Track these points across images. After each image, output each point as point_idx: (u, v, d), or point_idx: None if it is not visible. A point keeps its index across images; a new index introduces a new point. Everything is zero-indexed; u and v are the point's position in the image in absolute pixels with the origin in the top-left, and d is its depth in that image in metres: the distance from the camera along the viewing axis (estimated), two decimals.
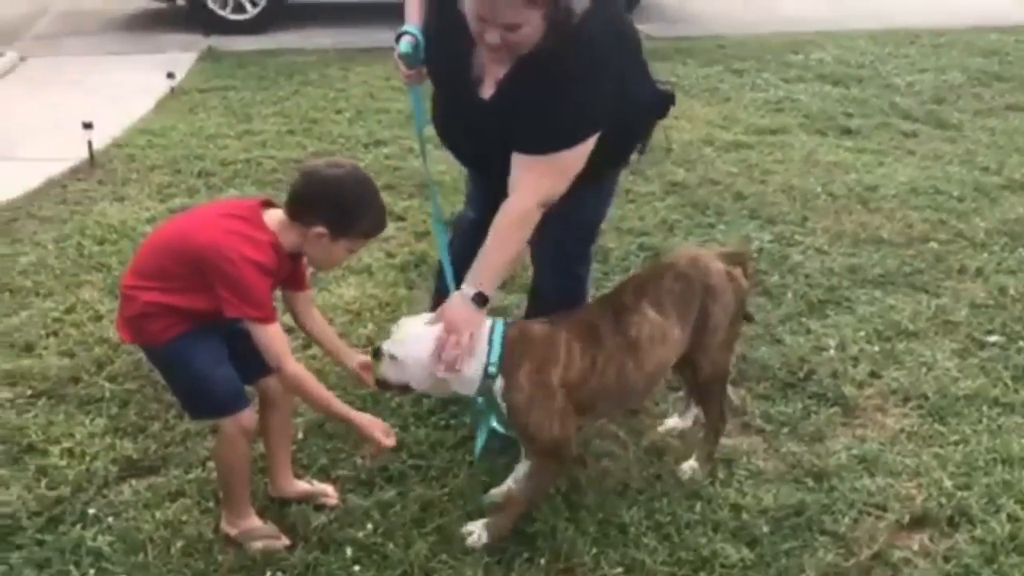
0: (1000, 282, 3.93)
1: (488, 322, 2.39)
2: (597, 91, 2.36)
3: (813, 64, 7.39)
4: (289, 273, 2.37)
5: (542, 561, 2.43)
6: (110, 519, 2.57)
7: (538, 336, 2.40)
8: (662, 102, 2.68)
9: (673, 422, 2.98)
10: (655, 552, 2.46)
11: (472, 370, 2.34)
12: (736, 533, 2.53)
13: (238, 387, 2.36)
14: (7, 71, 6.94)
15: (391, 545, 2.46)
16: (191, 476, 2.75)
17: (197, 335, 2.29)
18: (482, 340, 2.35)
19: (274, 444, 2.62)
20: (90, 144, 5.09)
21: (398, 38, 2.59)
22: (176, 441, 2.90)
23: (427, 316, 2.46)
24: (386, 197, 4.48)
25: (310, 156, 5.23)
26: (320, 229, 2.23)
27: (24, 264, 3.97)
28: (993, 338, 3.53)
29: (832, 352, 3.40)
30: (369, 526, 2.52)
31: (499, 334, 2.37)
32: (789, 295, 3.80)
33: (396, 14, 2.69)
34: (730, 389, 2.95)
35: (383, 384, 2.45)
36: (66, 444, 2.86)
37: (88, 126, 5.02)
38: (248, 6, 8.07)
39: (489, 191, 2.58)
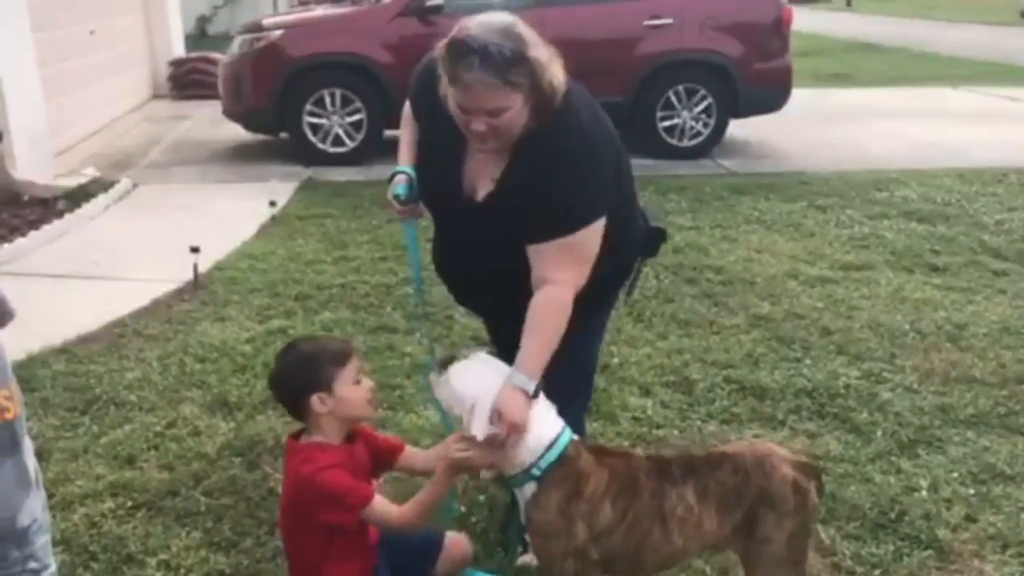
0: None
1: (559, 425, 2.37)
2: (598, 169, 2.43)
3: (898, 201, 7.42)
4: (372, 452, 2.48)
5: None
6: None
7: (586, 467, 2.34)
8: (653, 239, 2.75)
9: None
10: None
11: (521, 456, 2.29)
12: None
13: None
14: (121, 197, 7.40)
15: None
16: None
17: None
18: (546, 436, 2.33)
19: None
20: (195, 267, 5.38)
21: (391, 178, 2.70)
22: (267, 558, 2.97)
23: (497, 367, 2.41)
24: (471, 321, 4.59)
25: (401, 282, 5.42)
26: (314, 397, 2.35)
27: (129, 379, 4.16)
28: None
29: (924, 493, 3.32)
30: None
31: (563, 444, 2.34)
32: (879, 433, 3.74)
33: None
34: (820, 528, 2.89)
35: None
36: (163, 556, 2.96)
37: (195, 250, 5.31)
38: (347, 140, 8.50)
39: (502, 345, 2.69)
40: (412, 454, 2.58)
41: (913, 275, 5.75)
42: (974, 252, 6.18)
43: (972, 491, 3.35)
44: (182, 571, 2.89)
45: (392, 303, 5.13)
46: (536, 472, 2.31)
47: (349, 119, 8.47)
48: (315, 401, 2.36)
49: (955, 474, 3.46)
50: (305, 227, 6.58)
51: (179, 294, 5.26)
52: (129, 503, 3.24)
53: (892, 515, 3.19)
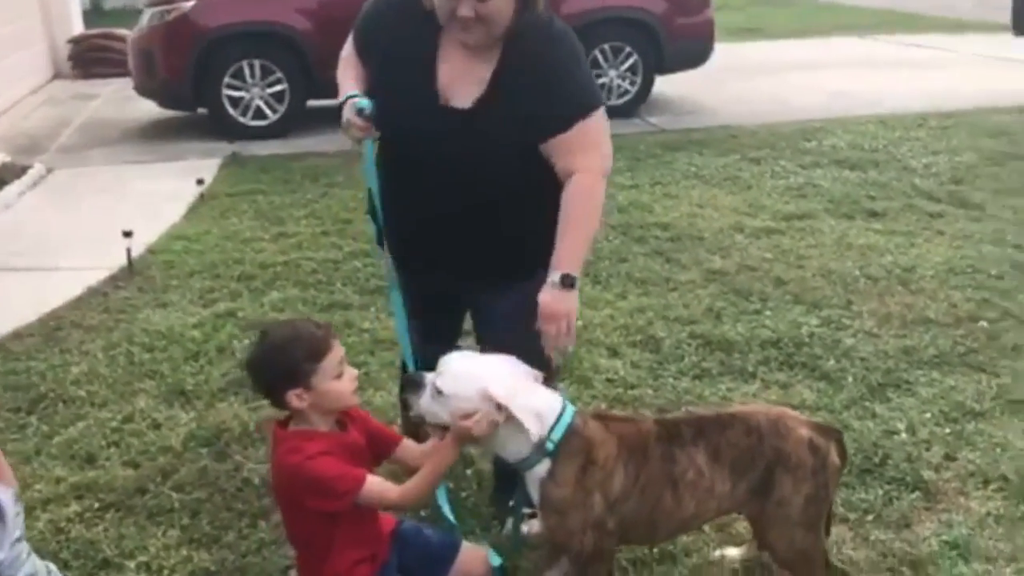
0: None
1: (559, 398, 2.31)
2: (584, 58, 2.53)
3: (827, 150, 7.52)
4: (369, 438, 2.35)
5: None
6: None
7: (595, 434, 2.28)
8: None
9: (732, 552, 2.73)
10: None
11: (530, 429, 2.18)
12: None
13: None
14: (36, 183, 7.02)
15: None
16: None
17: None
18: (551, 409, 2.25)
19: None
20: (128, 252, 5.12)
21: (342, 105, 2.55)
22: (252, 550, 2.84)
23: (477, 356, 2.36)
24: None
25: (348, 256, 5.27)
26: (291, 393, 2.20)
27: (75, 374, 3.94)
28: None
29: (904, 436, 3.36)
30: None
31: (569, 415, 2.27)
32: (849, 379, 3.78)
33: None
34: None
35: (415, 420, 2.33)
36: (141, 558, 2.80)
37: (128, 234, 5.07)
38: (269, 112, 8.22)
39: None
40: (408, 447, 2.44)
41: (854, 222, 5.83)
42: (908, 196, 6.31)
43: (948, 430, 3.41)
44: (164, 572, 2.74)
45: (341, 279, 4.98)
46: (550, 446, 2.23)
47: (270, 91, 8.17)
48: (291, 398, 2.21)
49: (928, 415, 3.51)
50: (236, 204, 6.34)
51: (113, 281, 5.00)
52: (96, 504, 3.06)
53: (876, 460, 3.22)
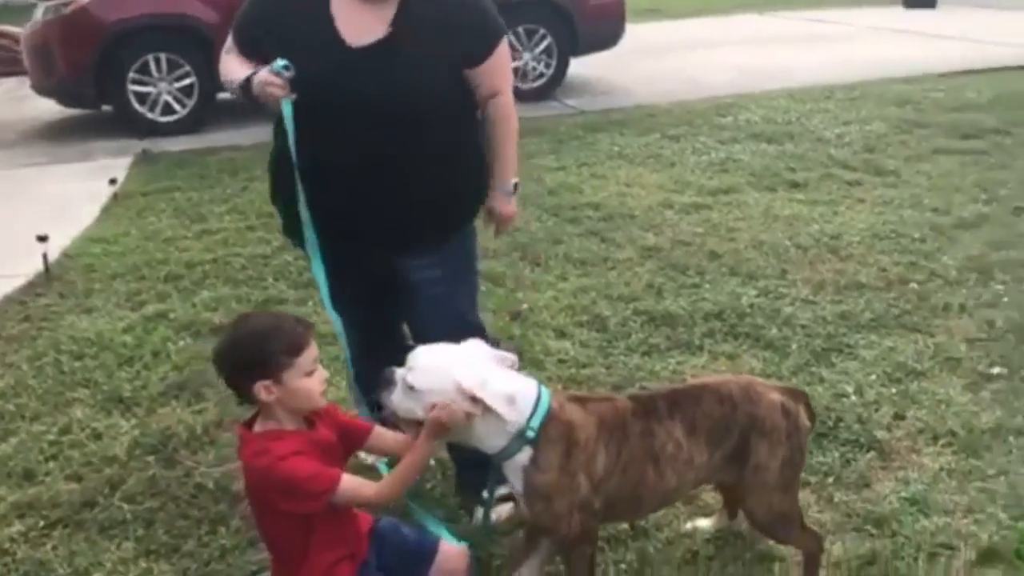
0: (986, 316, 4.07)
1: (534, 385, 2.26)
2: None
3: (743, 125, 7.65)
4: (340, 433, 2.26)
5: None
6: None
7: (574, 417, 2.26)
8: None
9: (702, 523, 2.76)
10: None
11: (507, 418, 2.15)
12: None
13: None
14: None
15: None
16: None
17: None
18: (528, 396, 2.21)
19: None
20: (45, 257, 4.89)
21: (248, 80, 2.51)
22: (215, 557, 2.74)
23: (446, 347, 2.29)
24: None
25: (277, 250, 5.13)
26: (259, 385, 2.11)
27: (2, 387, 3.75)
28: (996, 370, 3.64)
29: (853, 398, 3.44)
30: None
31: (546, 401, 2.23)
32: (793, 346, 3.85)
33: None
34: None
35: (389, 419, 2.28)
36: (97, 574, 2.68)
37: (43, 239, 4.85)
38: (177, 107, 7.95)
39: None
40: (381, 435, 2.37)
41: (777, 193, 5.95)
42: (825, 166, 6.46)
43: (893, 391, 3.50)
44: None
45: (272, 274, 4.85)
46: (531, 434, 2.19)
47: (178, 85, 7.92)
48: (260, 389, 2.11)
49: (873, 376, 3.60)
50: (153, 203, 6.12)
51: (31, 288, 4.77)
52: (41, 522, 2.91)
53: (830, 423, 3.28)
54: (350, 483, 2.16)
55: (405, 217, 2.61)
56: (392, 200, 2.58)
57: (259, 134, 7.71)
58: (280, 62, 2.46)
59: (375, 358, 2.50)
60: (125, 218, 5.85)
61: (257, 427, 2.21)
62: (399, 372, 2.22)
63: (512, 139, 2.71)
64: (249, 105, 2.65)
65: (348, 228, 2.63)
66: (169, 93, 7.90)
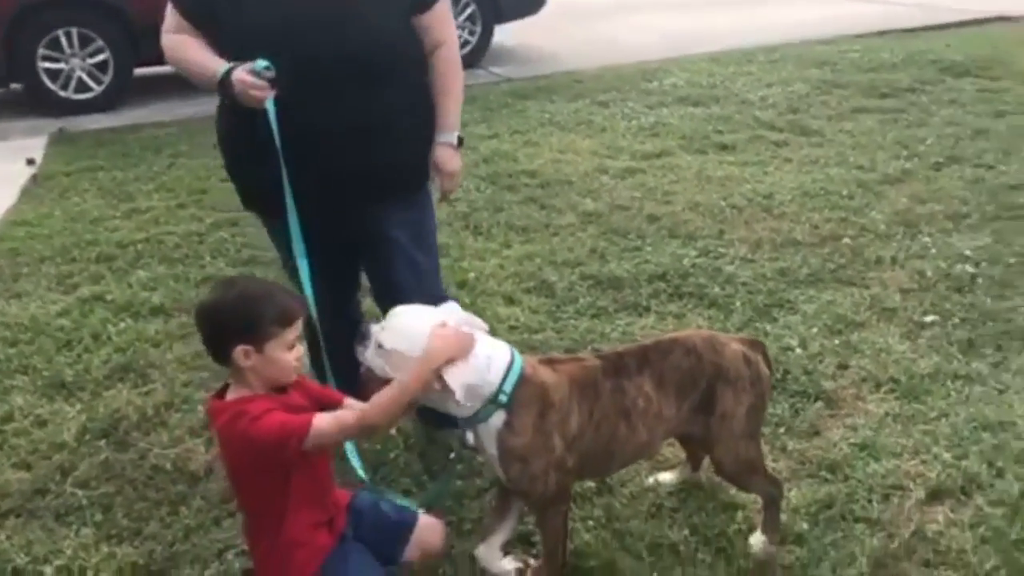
0: (916, 267, 4.23)
1: (507, 350, 2.27)
2: None
3: (669, 89, 7.74)
4: (312, 401, 2.23)
5: None
6: None
7: (547, 379, 2.28)
8: None
9: (664, 477, 2.84)
10: (715, 567, 2.49)
11: (481, 388, 2.17)
12: (781, 535, 2.59)
13: None
14: None
15: None
16: (211, 571, 2.56)
17: (335, 558, 2.21)
18: (501, 361, 2.22)
19: None
20: None
21: (227, 74, 2.42)
22: (180, 538, 2.70)
23: (423, 309, 2.27)
24: None
25: (211, 227, 5.03)
26: (240, 348, 2.07)
27: None
28: (929, 318, 3.78)
29: (798, 351, 3.54)
30: None
31: (519, 365, 2.24)
32: (737, 304, 3.94)
33: None
34: None
35: (367, 376, 2.27)
36: (58, 562, 2.62)
37: None
38: (92, 84, 7.68)
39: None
40: (353, 404, 2.37)
41: (707, 156, 6.04)
42: (752, 128, 6.58)
43: (836, 342, 3.62)
44: (88, 572, 2.57)
45: (209, 252, 4.75)
46: (503, 398, 2.21)
47: (91, 60, 7.63)
48: (239, 353, 2.08)
49: (815, 329, 3.71)
50: (76, 183, 5.91)
51: None
52: None
53: (778, 375, 3.37)
54: (324, 420, 2.10)
55: (381, 169, 2.61)
56: (366, 153, 2.55)
57: (181, 110, 7.54)
58: (261, 63, 2.39)
59: (327, 335, 2.54)
60: (47, 199, 5.65)
61: (229, 394, 2.17)
62: (374, 328, 2.23)
63: (456, 90, 2.71)
64: (221, 94, 2.52)
65: (326, 188, 2.57)
66: (83, 69, 7.62)
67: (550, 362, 2.34)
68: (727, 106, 7.17)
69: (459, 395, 2.12)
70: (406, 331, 2.18)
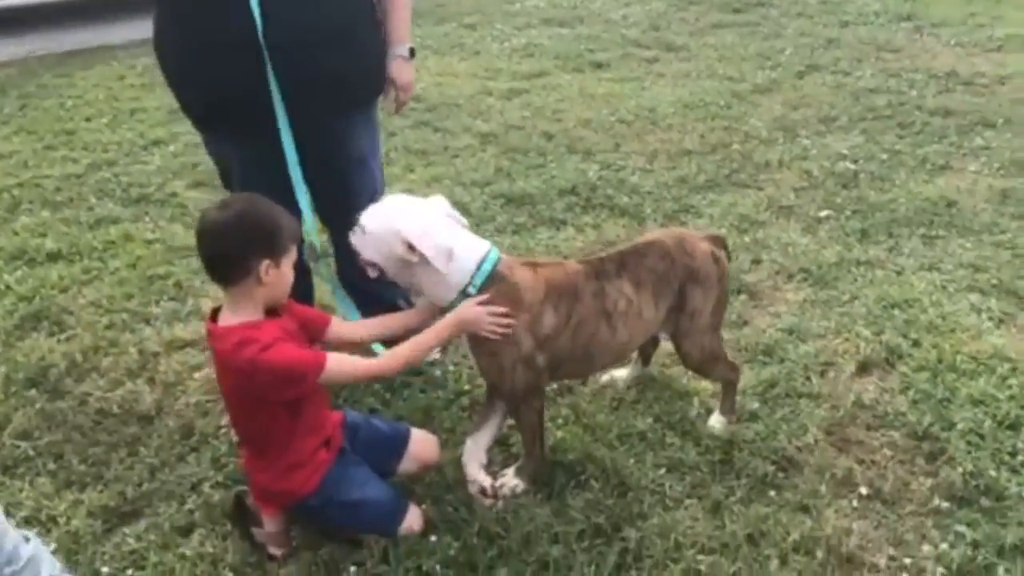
0: (802, 167, 4.50)
1: (484, 245, 2.33)
2: None
3: (532, 11, 7.79)
4: (301, 324, 2.23)
5: (594, 483, 2.52)
6: (130, 572, 2.31)
7: (522, 279, 2.34)
8: None
9: (619, 373, 2.96)
10: (684, 448, 2.64)
11: (451, 276, 2.25)
12: (738, 415, 2.77)
13: (391, 501, 2.32)
14: None
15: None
16: (189, 505, 2.52)
17: (335, 471, 2.25)
18: (474, 256, 2.29)
19: None
20: None
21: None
22: (147, 478, 2.63)
23: (409, 198, 2.34)
24: (203, 194, 4.32)
25: (89, 168, 4.77)
26: (265, 263, 2.06)
27: None
28: (824, 213, 4.06)
29: None
30: None
31: (491, 262, 2.31)
32: (647, 211, 4.10)
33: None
34: None
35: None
36: (23, 513, 2.50)
37: None
38: None
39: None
40: (340, 324, 2.36)
41: (585, 74, 6.16)
42: (621, 46, 6.74)
43: (746, 239, 3.83)
44: (60, 520, 2.47)
45: (94, 193, 4.52)
46: (472, 291, 2.28)
47: None
48: (265, 267, 2.05)
49: (723, 230, 3.92)
50: None
51: None
52: None
53: None
54: (336, 360, 2.13)
55: (353, 74, 2.64)
56: (341, 58, 2.57)
57: (15, 49, 7.00)
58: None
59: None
60: None
61: (227, 318, 2.13)
62: (363, 215, 2.28)
63: (407, 2, 2.73)
64: None
65: (300, 95, 2.54)
66: None
67: (532, 265, 2.40)
68: (593, 25, 7.30)
69: (430, 255, 2.19)
70: (382, 214, 2.26)
